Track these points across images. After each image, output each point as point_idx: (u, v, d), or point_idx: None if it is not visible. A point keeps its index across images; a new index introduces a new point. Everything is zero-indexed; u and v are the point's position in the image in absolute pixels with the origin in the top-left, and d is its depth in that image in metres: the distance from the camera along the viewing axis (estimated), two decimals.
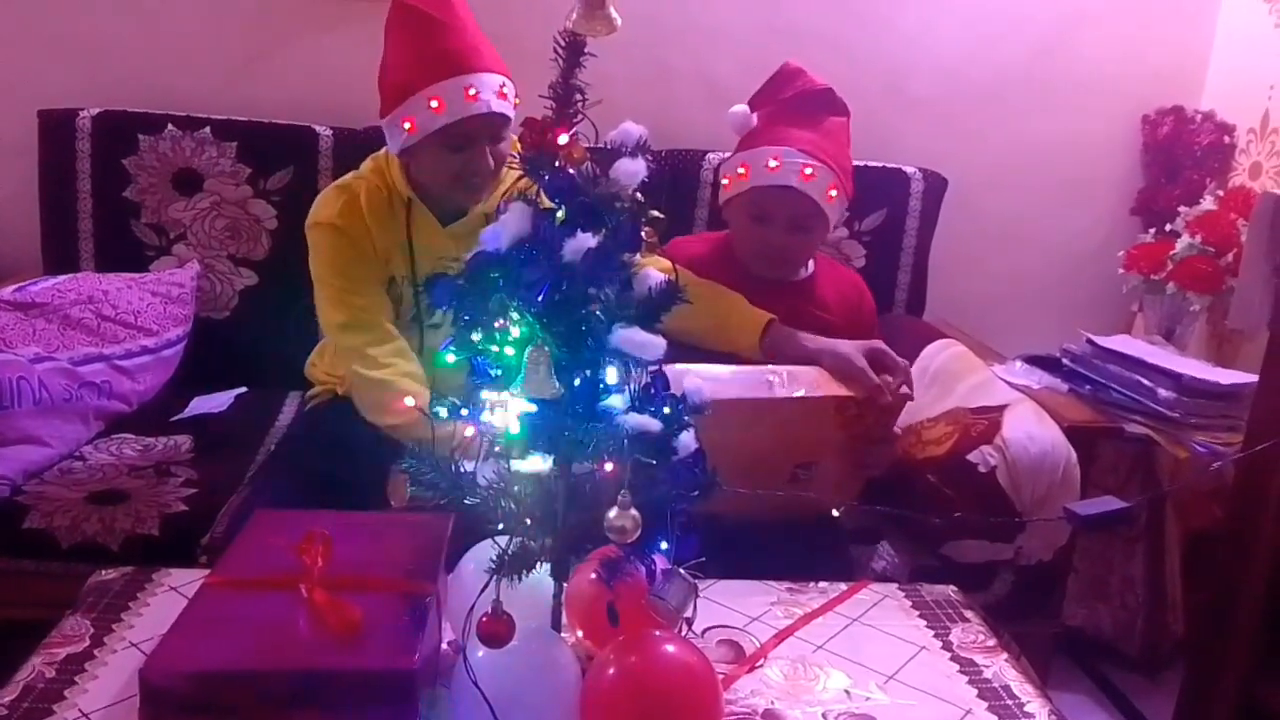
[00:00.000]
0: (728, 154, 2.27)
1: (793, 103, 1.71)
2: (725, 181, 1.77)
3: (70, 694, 1.05)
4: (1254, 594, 1.66)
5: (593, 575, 1.01)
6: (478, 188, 1.65)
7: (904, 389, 1.57)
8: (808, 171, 1.66)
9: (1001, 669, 1.22)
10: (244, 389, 2.09)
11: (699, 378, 1.14)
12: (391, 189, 1.67)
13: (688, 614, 1.02)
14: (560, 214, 0.96)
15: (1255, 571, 1.64)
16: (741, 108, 1.73)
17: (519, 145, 0.98)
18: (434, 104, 1.54)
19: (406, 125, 1.56)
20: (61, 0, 2.24)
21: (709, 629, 1.24)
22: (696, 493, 1.02)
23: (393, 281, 1.67)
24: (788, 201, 1.68)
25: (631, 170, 0.96)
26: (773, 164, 1.67)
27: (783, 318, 1.68)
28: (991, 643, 1.28)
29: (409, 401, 1.08)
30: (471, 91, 1.54)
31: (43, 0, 2.23)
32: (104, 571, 1.29)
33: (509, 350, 0.98)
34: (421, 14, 1.55)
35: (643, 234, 0.98)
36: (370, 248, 1.64)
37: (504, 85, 1.58)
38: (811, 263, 1.83)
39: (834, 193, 1.69)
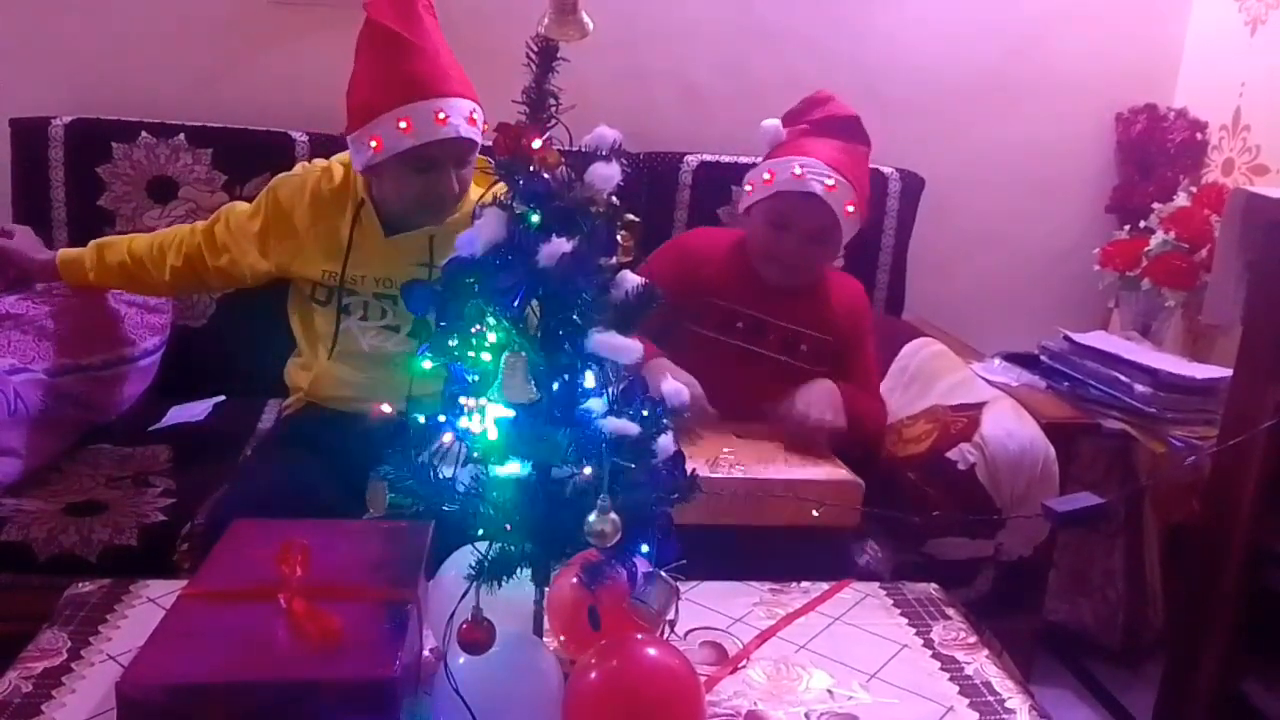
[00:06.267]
0: (706, 155, 2.29)
1: (821, 123, 1.79)
2: (749, 188, 1.81)
3: (47, 708, 1.04)
4: (1232, 585, 1.67)
5: (574, 580, 1.01)
6: (439, 210, 1.65)
7: None
8: (829, 183, 1.72)
9: (982, 666, 1.23)
10: (222, 398, 2.08)
11: None
12: (349, 188, 1.70)
13: (670, 616, 1.02)
14: (535, 219, 0.96)
15: (1232, 563, 1.66)
16: (773, 122, 1.80)
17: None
18: (403, 125, 1.54)
19: (373, 144, 1.56)
20: (33, 8, 2.22)
21: (691, 631, 1.24)
22: (676, 495, 1.03)
23: (323, 274, 1.71)
24: (808, 210, 1.73)
25: (606, 174, 0.96)
26: (798, 171, 1.73)
27: (790, 320, 1.80)
28: (972, 640, 1.29)
29: (385, 408, 1.08)
30: (441, 115, 1.54)
31: (13, 8, 2.22)
32: (81, 584, 1.28)
33: (486, 355, 0.98)
34: (392, 34, 1.54)
35: (618, 238, 0.98)
36: (287, 230, 1.71)
37: (474, 111, 1.58)
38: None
39: (851, 208, 1.75)
